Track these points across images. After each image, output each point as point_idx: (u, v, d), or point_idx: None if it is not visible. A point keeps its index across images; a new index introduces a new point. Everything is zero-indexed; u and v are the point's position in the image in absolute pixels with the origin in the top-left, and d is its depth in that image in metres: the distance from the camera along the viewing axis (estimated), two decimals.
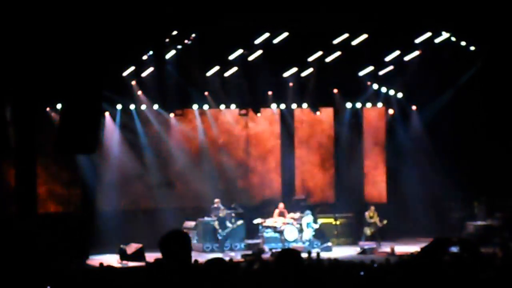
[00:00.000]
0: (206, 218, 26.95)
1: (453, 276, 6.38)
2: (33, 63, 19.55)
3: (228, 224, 26.58)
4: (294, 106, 29.82)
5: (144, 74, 26.55)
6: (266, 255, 23.91)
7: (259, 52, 25.65)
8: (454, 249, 6.53)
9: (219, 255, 24.38)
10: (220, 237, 26.41)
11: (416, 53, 26.66)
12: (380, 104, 30.60)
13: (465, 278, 6.36)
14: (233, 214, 27.04)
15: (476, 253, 6.44)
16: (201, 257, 20.10)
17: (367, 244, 26.48)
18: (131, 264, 22.64)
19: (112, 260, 22.73)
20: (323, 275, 12.57)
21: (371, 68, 28.15)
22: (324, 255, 22.95)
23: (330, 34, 25.08)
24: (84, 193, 27.37)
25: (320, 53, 26.49)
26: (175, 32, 23.08)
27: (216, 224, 26.47)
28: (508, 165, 26.73)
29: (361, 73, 28.63)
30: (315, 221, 27.08)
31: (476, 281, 6.38)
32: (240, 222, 26.87)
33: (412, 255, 19.12)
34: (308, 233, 26.69)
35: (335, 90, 29.83)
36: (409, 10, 22.72)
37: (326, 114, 30.56)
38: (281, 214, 27.04)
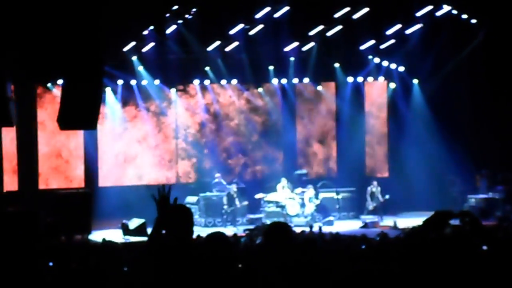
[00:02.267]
0: (208, 193, 27.01)
1: (455, 249, 6.38)
2: (34, 38, 19.49)
3: (236, 202, 26.60)
4: (295, 80, 29.78)
5: (145, 49, 26.50)
6: None
7: (260, 26, 25.56)
8: (456, 222, 6.52)
9: (221, 229, 24.46)
10: (225, 213, 26.45)
11: (418, 26, 26.56)
12: (381, 78, 30.57)
13: (467, 251, 6.36)
14: (234, 189, 27.07)
15: (478, 226, 6.44)
16: (203, 232, 20.20)
17: (369, 218, 26.55)
18: (134, 239, 22.69)
19: (114, 235, 22.80)
20: (324, 249, 12.59)
21: (372, 42, 28.06)
22: (326, 229, 22.99)
23: (331, 8, 24.97)
24: (86, 169, 27.40)
25: (321, 27, 26.40)
26: (175, 7, 22.99)
27: (225, 199, 26.50)
28: (510, 138, 26.72)
29: (362, 47, 28.55)
30: (316, 196, 27.12)
31: (477, 254, 6.38)
32: (246, 202, 26.89)
33: (413, 229, 19.16)
34: (310, 208, 26.74)
35: (337, 64, 29.77)
36: None
37: (327, 88, 30.53)
38: (283, 189, 27.07)
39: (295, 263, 6.74)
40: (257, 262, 6.96)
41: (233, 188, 26.82)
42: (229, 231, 23.53)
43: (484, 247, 6.51)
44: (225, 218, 26.46)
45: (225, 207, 26.47)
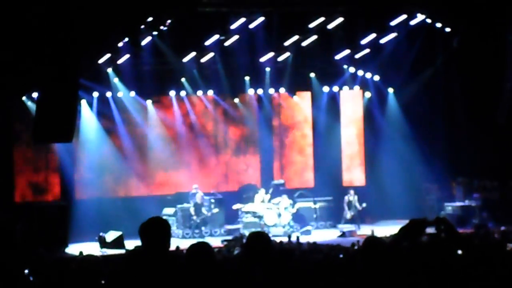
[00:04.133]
0: (185, 205, 26.95)
1: (431, 256, 6.41)
2: (8, 51, 19.41)
3: (204, 210, 26.56)
4: (271, 91, 29.84)
5: (120, 61, 26.44)
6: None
7: (236, 37, 25.59)
8: (431, 230, 6.56)
9: (193, 240, 24.39)
10: (194, 224, 26.38)
11: (392, 35, 26.69)
12: (357, 88, 30.72)
13: (443, 258, 6.40)
14: (212, 200, 27.06)
15: (453, 233, 6.47)
16: (181, 244, 20.17)
17: (347, 227, 26.60)
18: (111, 252, 22.60)
19: (91, 248, 22.69)
20: (302, 259, 12.61)
21: (347, 51, 28.16)
22: (304, 239, 23.01)
23: (306, 18, 25.05)
24: (62, 182, 27.27)
25: (296, 37, 26.46)
26: (150, 19, 22.97)
27: (192, 210, 26.46)
28: (485, 146, 26.86)
29: (337, 57, 28.66)
30: (292, 205, 27.13)
31: (453, 261, 6.42)
32: (216, 210, 26.85)
33: (390, 237, 19.24)
34: (286, 217, 26.73)
35: (312, 74, 29.88)
36: None
37: (303, 98, 30.60)
38: (263, 201, 27.06)
39: (275, 273, 6.77)
40: (236, 273, 6.97)
41: (199, 197, 26.69)
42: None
43: (459, 252, 6.54)
44: (194, 229, 26.36)
45: (194, 217, 26.40)
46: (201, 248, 6.84)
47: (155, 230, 6.79)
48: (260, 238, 7.04)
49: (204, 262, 6.70)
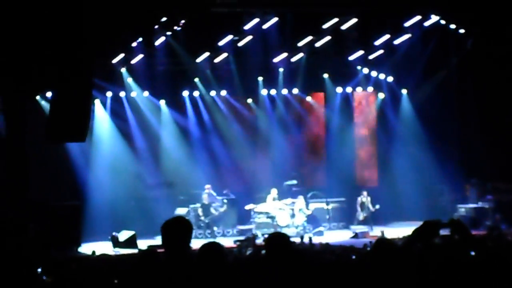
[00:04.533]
0: (197, 205, 26.96)
1: (444, 258, 6.40)
2: (23, 51, 19.47)
3: (212, 210, 26.58)
4: (284, 91, 29.84)
5: (134, 61, 26.49)
6: (259, 241, 23.95)
7: (249, 37, 25.59)
8: (445, 232, 6.54)
9: (202, 241, 24.41)
10: (202, 224, 26.40)
11: (406, 36, 26.64)
12: (370, 88, 30.67)
13: (456, 260, 6.38)
14: (225, 200, 27.07)
15: (467, 235, 6.45)
16: (194, 244, 20.16)
17: (359, 228, 26.55)
18: (124, 251, 22.63)
19: (104, 247, 22.73)
20: (314, 260, 12.59)
21: (361, 52, 28.13)
22: (316, 239, 22.98)
23: (320, 19, 25.04)
24: (76, 181, 27.31)
25: (310, 38, 26.45)
26: (164, 19, 23.00)
27: (199, 211, 26.48)
28: (498, 147, 26.79)
29: (351, 58, 28.64)
30: (307, 206, 27.11)
31: (466, 263, 6.40)
32: (223, 209, 26.87)
33: (403, 239, 19.19)
34: (300, 218, 26.72)
35: (326, 75, 29.87)
36: None
37: (316, 99, 30.59)
38: (274, 200, 27.05)
39: (294, 274, 6.77)
40: (254, 273, 6.97)
41: (205, 198, 26.70)
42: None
43: (472, 253, 6.53)
44: (204, 229, 26.38)
45: (202, 218, 26.42)
46: (213, 248, 6.84)
47: (178, 229, 6.78)
48: (280, 239, 7.06)
49: (216, 262, 6.70)
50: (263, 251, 15.10)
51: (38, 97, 26.05)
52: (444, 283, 6.34)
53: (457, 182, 28.11)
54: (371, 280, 6.46)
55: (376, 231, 26.10)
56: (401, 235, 21.78)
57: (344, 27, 25.07)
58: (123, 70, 27.17)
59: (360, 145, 30.97)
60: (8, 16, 18.26)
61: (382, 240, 6.91)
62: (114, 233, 23.98)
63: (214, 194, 27.21)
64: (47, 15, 17.34)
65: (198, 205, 26.82)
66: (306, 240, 22.89)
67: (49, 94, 24.68)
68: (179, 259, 6.64)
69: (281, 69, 28.97)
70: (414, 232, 6.50)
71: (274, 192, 27.17)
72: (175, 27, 23.99)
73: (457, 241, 6.48)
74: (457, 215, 26.28)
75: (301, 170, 30.13)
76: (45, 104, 25.64)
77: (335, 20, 24.72)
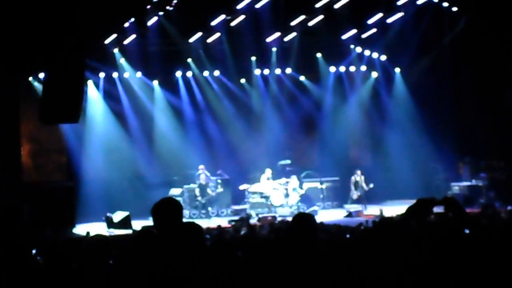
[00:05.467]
0: (192, 185, 26.99)
1: (438, 236, 6.41)
2: (15, 31, 19.38)
3: (209, 191, 26.64)
4: (278, 71, 29.80)
5: (126, 42, 26.41)
6: (253, 221, 24.00)
7: (242, 17, 25.52)
8: (439, 209, 6.55)
9: (205, 221, 24.49)
10: (199, 204, 26.45)
11: (399, 15, 26.60)
12: (363, 67, 30.63)
13: (450, 238, 6.39)
14: (219, 181, 27.11)
15: (461, 212, 6.46)
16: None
17: (353, 207, 26.61)
18: (118, 232, 22.65)
19: (99, 228, 22.74)
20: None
21: (354, 31, 28.09)
22: None
23: None
24: (69, 162, 27.30)
25: (303, 17, 26.39)
26: None
27: (197, 191, 26.53)
28: (492, 126, 26.83)
29: (344, 37, 28.58)
30: (300, 186, 27.15)
31: (461, 241, 6.41)
32: (220, 190, 26.93)
33: (397, 217, 19.22)
34: (294, 198, 26.77)
35: (319, 54, 29.81)
36: None
37: (310, 78, 30.54)
38: (268, 179, 27.08)
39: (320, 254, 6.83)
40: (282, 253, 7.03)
41: (203, 178, 26.77)
42: (208, 222, 23.66)
43: (466, 231, 6.53)
44: (200, 209, 26.45)
45: (199, 198, 26.47)
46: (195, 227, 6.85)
47: (168, 210, 6.79)
48: (306, 220, 7.12)
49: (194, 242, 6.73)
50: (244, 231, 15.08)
51: (30, 79, 25.97)
52: (439, 260, 6.35)
53: (450, 160, 28.16)
54: (368, 258, 6.47)
55: (370, 210, 26.16)
56: (395, 213, 21.85)
57: (337, 5, 25.01)
58: (116, 50, 27.10)
59: (353, 124, 30.95)
60: None
61: (385, 220, 6.96)
62: (108, 214, 24.00)
63: (208, 174, 27.23)
64: None
65: (194, 185, 26.86)
66: None
67: (41, 76, 24.59)
68: (171, 239, 6.65)
69: (274, 49, 28.91)
70: (408, 209, 6.51)
71: (268, 172, 27.20)
72: (167, 7, 23.91)
73: (451, 219, 6.48)
74: (451, 193, 26.33)
75: (295, 150, 30.16)
76: (37, 85, 25.57)
77: None
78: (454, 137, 28.33)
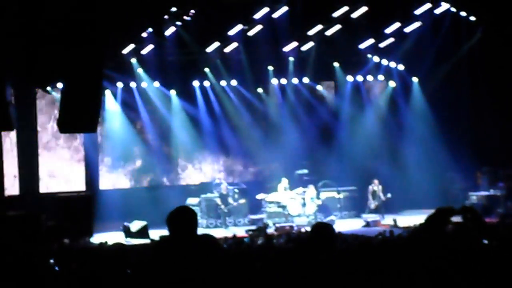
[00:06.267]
0: (209, 195, 27.01)
1: (456, 245, 6.38)
2: (33, 41, 19.49)
3: (230, 200, 26.64)
4: (295, 80, 29.79)
5: (144, 52, 26.48)
6: (270, 230, 23.98)
7: (259, 27, 25.54)
8: (457, 219, 6.52)
9: (223, 230, 24.49)
10: (221, 214, 26.48)
11: (417, 24, 26.55)
12: (381, 77, 30.58)
13: (469, 247, 6.36)
14: (236, 190, 27.11)
15: (480, 222, 6.43)
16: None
17: (371, 217, 26.54)
18: (136, 241, 22.68)
19: (116, 238, 22.78)
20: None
21: (371, 40, 28.04)
22: None
23: (330, 7, 24.96)
24: (87, 172, 27.39)
25: (320, 26, 26.38)
26: (174, 9, 22.99)
27: (218, 200, 26.53)
28: (510, 135, 26.72)
29: (361, 46, 28.54)
30: (318, 195, 27.11)
31: (479, 250, 6.38)
32: (242, 200, 26.92)
33: (415, 227, 19.16)
34: (311, 207, 26.73)
35: (336, 64, 29.79)
36: None
37: (327, 88, 30.53)
38: (285, 189, 27.06)
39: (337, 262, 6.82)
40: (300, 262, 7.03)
41: (224, 187, 26.81)
42: (228, 232, 23.64)
43: (485, 241, 6.51)
44: (222, 218, 26.46)
45: (222, 207, 26.49)
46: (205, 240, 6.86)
47: (183, 219, 6.80)
48: (325, 229, 7.12)
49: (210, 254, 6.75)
50: (261, 241, 15.08)
51: (49, 88, 26.10)
52: (457, 271, 6.33)
53: (468, 169, 28.04)
54: (386, 268, 6.46)
55: (387, 220, 26.09)
56: (413, 223, 21.80)
57: (354, 15, 24.98)
58: (134, 60, 27.18)
59: (371, 133, 30.87)
60: (18, 8, 18.27)
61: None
62: (126, 223, 24.05)
63: (226, 184, 27.24)
64: (57, 6, 17.34)
65: (212, 194, 26.89)
66: None
67: (60, 85, 24.71)
68: (186, 248, 6.66)
69: (291, 58, 28.91)
70: (427, 219, 6.49)
71: (285, 181, 27.19)
72: (185, 17, 23.97)
73: (470, 228, 6.46)
74: (469, 203, 26.21)
75: (312, 159, 30.11)
76: (55, 95, 25.69)
77: (345, 8, 24.64)
78: (472, 147, 28.22)
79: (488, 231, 6.46)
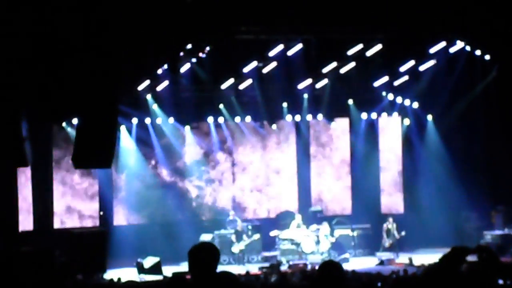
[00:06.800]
0: (222, 231, 26.95)
1: (472, 285, 6.34)
2: (49, 77, 19.61)
3: (245, 237, 26.56)
4: (309, 117, 29.80)
5: (159, 88, 26.60)
6: (283, 268, 23.87)
7: (274, 64, 25.63)
8: (473, 258, 6.49)
9: (236, 267, 24.40)
10: (235, 251, 26.38)
11: (431, 62, 26.58)
12: (395, 114, 30.55)
13: (484, 287, 6.32)
14: (249, 227, 27.05)
15: (495, 261, 6.39)
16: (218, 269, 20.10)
17: (385, 255, 26.39)
18: (149, 277, 22.63)
19: (130, 274, 22.75)
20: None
21: (386, 78, 28.07)
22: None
23: (345, 45, 25.03)
24: (101, 207, 27.43)
25: (334, 64, 26.45)
26: (189, 46, 23.12)
27: (233, 237, 26.46)
28: None
29: (376, 84, 28.58)
30: (332, 233, 27.00)
31: None
32: (257, 236, 26.83)
33: (430, 265, 19.06)
34: (325, 245, 26.60)
35: (350, 101, 29.81)
36: (423, 20, 22.67)
37: (341, 125, 30.53)
38: (298, 226, 26.97)
39: None
40: None
41: (239, 224, 26.75)
42: (242, 269, 23.54)
43: (500, 281, 6.46)
44: (236, 255, 26.36)
45: (236, 244, 26.41)
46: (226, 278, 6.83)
47: (204, 256, 6.75)
48: (333, 267, 7.07)
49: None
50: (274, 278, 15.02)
51: (64, 124, 26.21)
52: None
53: (483, 208, 27.90)
54: None
55: (402, 258, 25.94)
56: (428, 261, 21.67)
57: (369, 53, 25.05)
58: (149, 96, 27.30)
59: (385, 171, 30.83)
60: (35, 43, 18.40)
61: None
62: (139, 260, 24.01)
63: (239, 220, 27.21)
64: (74, 42, 17.47)
65: (225, 231, 26.83)
66: None
67: (75, 121, 24.82)
68: (206, 285, 6.61)
69: (305, 95, 28.96)
70: (442, 258, 6.45)
71: (298, 218, 27.11)
72: (200, 54, 24.09)
73: (485, 268, 6.42)
74: (484, 242, 26.06)
75: (326, 196, 30.05)
76: (71, 131, 25.80)
77: (360, 46, 24.71)
78: (487, 185, 28.11)
79: (503, 270, 6.42)
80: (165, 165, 28.43)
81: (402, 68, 27.00)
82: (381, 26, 23.32)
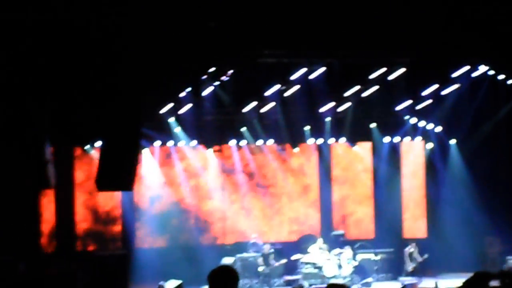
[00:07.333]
0: (245, 254, 26.91)
1: None
2: (73, 101, 19.73)
3: (271, 261, 26.49)
4: (331, 140, 29.80)
5: (182, 111, 26.70)
6: None
7: (296, 87, 25.66)
8: (495, 283, 6.46)
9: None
10: (261, 274, 26.30)
11: (454, 86, 26.52)
12: (418, 138, 30.49)
13: None
14: (271, 250, 26.99)
15: None
16: None
17: (408, 280, 26.23)
18: None
19: None
20: None
21: (408, 102, 28.02)
22: None
23: (367, 69, 25.02)
24: (123, 230, 27.49)
25: (357, 87, 26.43)
26: (212, 69, 23.21)
27: (260, 260, 26.39)
28: None
29: (398, 107, 28.53)
30: (354, 257, 26.89)
31: None
32: (284, 260, 26.74)
33: None
34: (347, 269, 26.50)
35: (373, 125, 29.77)
36: (446, 44, 22.63)
37: (364, 148, 30.49)
38: (320, 249, 26.89)
39: None
40: None
41: (267, 247, 26.72)
42: None
43: None
44: (261, 279, 26.31)
45: (261, 267, 26.35)
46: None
47: (225, 279, 6.77)
48: None
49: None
50: None
51: (87, 147, 26.35)
52: None
53: (507, 233, 27.72)
54: None
55: (425, 283, 25.77)
56: (451, 286, 21.51)
57: (391, 77, 25.02)
58: (171, 119, 27.40)
59: (408, 195, 30.73)
60: (57, 67, 18.54)
61: None
62: (161, 283, 23.94)
63: (261, 243, 27.16)
64: (97, 66, 17.59)
65: (248, 254, 26.79)
66: None
67: (97, 144, 24.94)
68: None
69: (327, 119, 28.97)
70: (465, 283, 6.42)
71: (320, 242, 27.02)
72: (223, 77, 24.18)
73: None
74: (507, 267, 25.87)
75: (349, 220, 29.98)
76: (93, 153, 25.93)
77: (383, 69, 24.68)
78: (510, 210, 27.94)
79: None
80: (187, 187, 28.47)
81: (425, 92, 26.91)
82: (404, 50, 23.27)
